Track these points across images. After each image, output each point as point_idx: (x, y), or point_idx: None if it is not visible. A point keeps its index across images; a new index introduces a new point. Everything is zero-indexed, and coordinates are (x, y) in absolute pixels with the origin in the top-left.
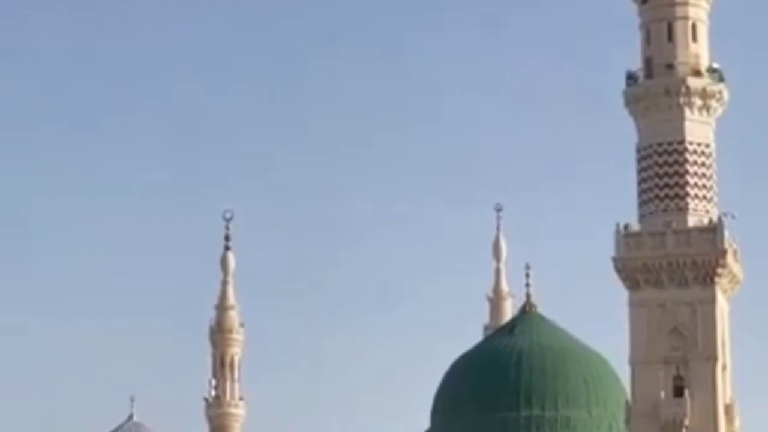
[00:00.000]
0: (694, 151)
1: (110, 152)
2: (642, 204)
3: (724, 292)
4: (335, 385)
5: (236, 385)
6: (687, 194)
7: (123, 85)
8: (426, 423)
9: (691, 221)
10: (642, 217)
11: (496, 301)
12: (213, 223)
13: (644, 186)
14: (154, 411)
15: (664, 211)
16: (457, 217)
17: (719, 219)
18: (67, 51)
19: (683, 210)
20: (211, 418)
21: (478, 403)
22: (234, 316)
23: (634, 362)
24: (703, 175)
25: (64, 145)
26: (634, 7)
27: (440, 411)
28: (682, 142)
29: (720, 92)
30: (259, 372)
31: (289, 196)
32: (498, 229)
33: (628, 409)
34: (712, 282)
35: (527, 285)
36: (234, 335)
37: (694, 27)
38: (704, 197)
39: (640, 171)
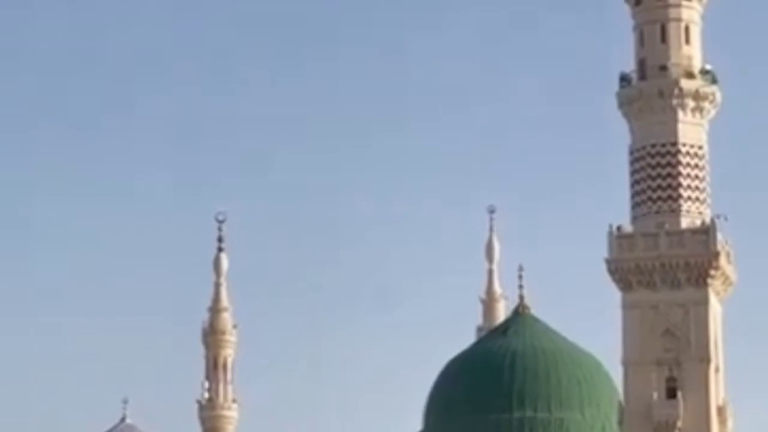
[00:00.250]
0: (687, 153)
1: (109, 152)
2: (635, 205)
3: (717, 293)
4: (329, 387)
5: (229, 387)
6: (680, 196)
7: (122, 85)
8: (419, 424)
9: (684, 223)
10: (635, 219)
11: (489, 302)
12: (210, 224)
13: (637, 187)
14: (147, 413)
15: (657, 212)
16: (450, 218)
17: (712, 221)
18: (67, 51)
19: (676, 212)
20: (204, 421)
21: (471, 405)
22: (227, 318)
23: (627, 363)
24: (696, 176)
25: (63, 144)
26: (627, 9)
27: (433, 412)
28: (675, 143)
29: (713, 94)
30: (252, 374)
31: (289, 197)
32: (491, 230)
33: (621, 411)
34: (705, 283)
35: (520, 286)
36: (227, 337)
37: (687, 29)
38: (697, 199)
39: (633, 172)
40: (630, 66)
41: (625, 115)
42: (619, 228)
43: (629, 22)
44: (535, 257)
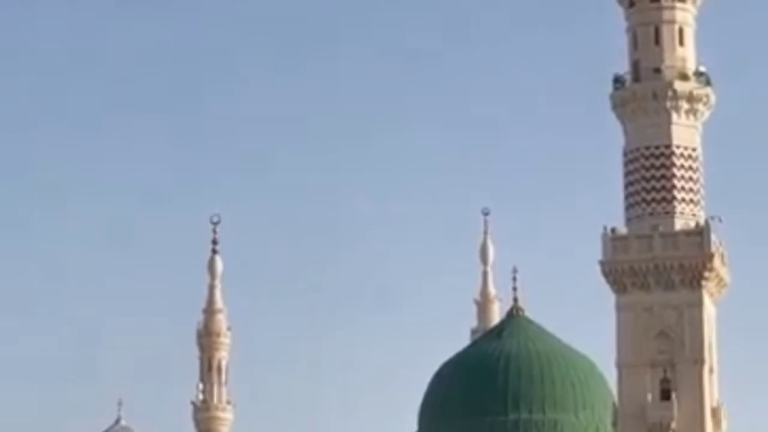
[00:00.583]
0: (681, 155)
1: (108, 152)
2: (629, 207)
3: (711, 295)
4: (323, 389)
5: (224, 389)
6: (674, 198)
7: (122, 84)
8: (413, 426)
9: (678, 225)
10: (629, 221)
11: (483, 304)
12: (207, 225)
13: (631, 189)
14: (142, 414)
15: (651, 214)
16: (445, 220)
17: (706, 222)
18: (66, 50)
19: (670, 213)
20: (198, 422)
21: (465, 407)
22: (221, 320)
23: (621, 365)
24: (690, 178)
25: (62, 144)
26: (621, 11)
27: (428, 414)
28: (669, 145)
29: (707, 96)
30: (247, 376)
31: (287, 197)
32: (485, 232)
33: (615, 412)
34: (699, 285)
35: (514, 288)
36: (221, 339)
37: (680, 31)
38: (691, 201)
39: (627, 174)
40: (624, 68)
41: (619, 117)
42: (613, 230)
43: (623, 24)
44: (529, 259)
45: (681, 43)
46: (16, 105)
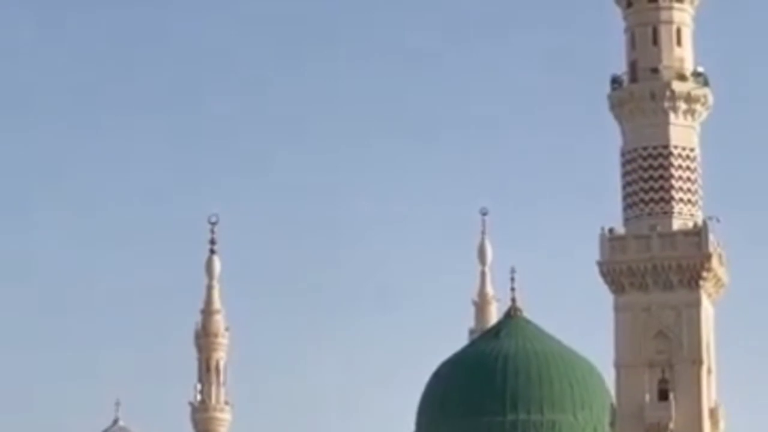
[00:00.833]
0: (679, 155)
1: (107, 152)
2: (627, 208)
3: (709, 295)
4: (321, 389)
5: (222, 390)
6: (672, 198)
7: (121, 84)
8: (411, 426)
9: (676, 225)
10: (627, 221)
11: (481, 305)
12: (206, 225)
13: (629, 190)
14: (140, 415)
15: (649, 214)
16: (443, 220)
17: (704, 223)
18: (66, 50)
19: (668, 214)
20: (196, 423)
21: (463, 407)
22: (219, 320)
23: (619, 366)
24: (688, 179)
25: (61, 144)
26: (618, 11)
27: (426, 415)
28: (666, 146)
29: (705, 96)
30: (244, 376)
31: (286, 197)
32: (483, 232)
33: (614, 413)
34: (697, 285)
35: (512, 289)
36: (219, 339)
37: (678, 31)
38: (689, 201)
39: (624, 175)
40: (621, 68)
41: (617, 117)
42: (611, 230)
43: (621, 24)
44: (527, 259)
45: (679, 43)
46: (15, 103)
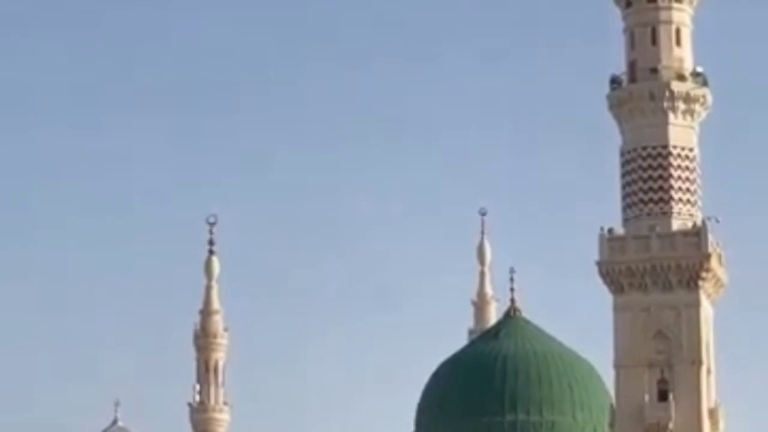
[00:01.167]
0: (678, 155)
1: (107, 152)
2: (626, 208)
3: (709, 295)
4: (320, 390)
5: (221, 390)
6: (671, 198)
7: (121, 84)
8: (411, 426)
9: (675, 225)
10: (626, 221)
11: (480, 305)
12: (205, 225)
13: (628, 190)
14: (139, 415)
15: (649, 215)
16: (442, 220)
17: (703, 223)
18: (66, 50)
19: (667, 214)
20: (195, 423)
21: (462, 408)
22: (218, 321)
23: (618, 366)
24: (687, 179)
25: (61, 144)
26: (618, 11)
27: (425, 415)
28: (666, 146)
29: (704, 96)
30: (243, 376)
31: (285, 197)
32: (482, 233)
33: (613, 413)
34: (697, 286)
35: (512, 289)
36: (218, 340)
37: (677, 31)
38: (688, 201)
39: (624, 175)
40: (621, 68)
41: (616, 117)
42: (610, 230)
43: (620, 24)
44: (526, 260)
45: (678, 43)
46: (16, 105)
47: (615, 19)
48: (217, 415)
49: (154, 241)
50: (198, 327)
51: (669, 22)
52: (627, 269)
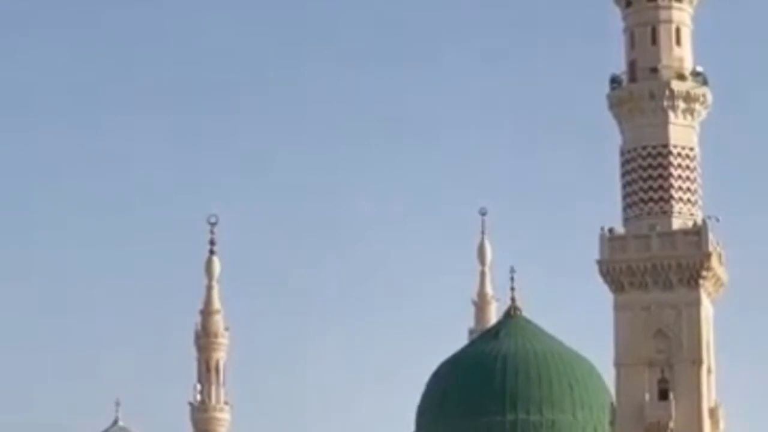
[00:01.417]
0: (678, 155)
1: (107, 152)
2: (626, 207)
3: (709, 294)
4: (321, 389)
5: (221, 390)
6: (671, 197)
7: (120, 84)
8: (411, 426)
9: (676, 224)
10: (626, 220)
11: (480, 304)
12: (206, 225)
13: (628, 189)
14: (140, 415)
15: (649, 214)
16: (442, 220)
17: (703, 222)
18: (66, 50)
19: (668, 213)
20: (196, 423)
21: (463, 407)
22: (219, 321)
23: (619, 365)
24: (687, 178)
25: (60, 144)
26: (618, 11)
27: (426, 415)
28: (666, 145)
29: (704, 95)
30: (244, 376)
31: (285, 197)
32: (483, 232)
33: (613, 412)
34: (697, 285)
35: (512, 289)
36: (219, 339)
37: (677, 30)
38: (688, 200)
39: (624, 174)
40: (621, 68)
41: (616, 116)
42: (610, 230)
43: (620, 24)
44: (527, 259)
45: (678, 43)
46: (18, 101)
47: (615, 18)
48: (218, 415)
49: (155, 241)
50: (199, 327)
51: (669, 21)
52: (627, 268)
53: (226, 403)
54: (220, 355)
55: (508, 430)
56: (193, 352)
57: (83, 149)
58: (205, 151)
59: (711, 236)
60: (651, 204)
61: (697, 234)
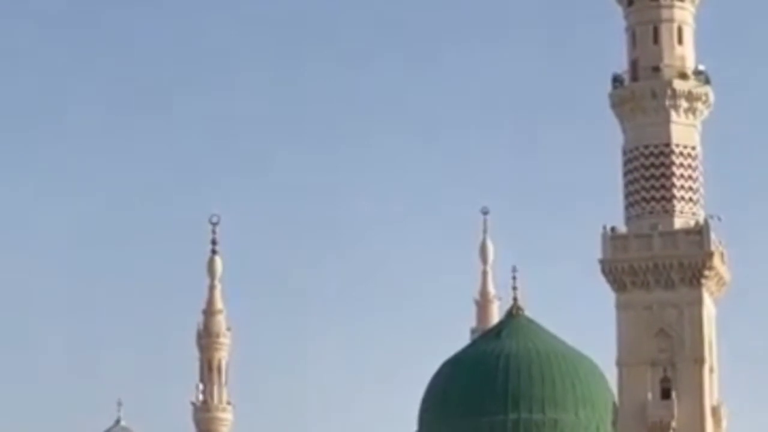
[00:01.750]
0: (680, 154)
1: (106, 152)
2: (628, 206)
3: (711, 294)
4: (323, 389)
5: (224, 390)
6: (673, 196)
7: (120, 84)
8: (413, 426)
9: (678, 223)
10: (628, 220)
11: (483, 304)
12: (206, 225)
13: (631, 188)
14: (142, 415)
15: (651, 213)
16: (444, 219)
17: (705, 221)
18: (66, 51)
19: (670, 212)
20: (198, 423)
21: (465, 407)
22: (221, 321)
23: (621, 364)
24: (690, 177)
25: (60, 145)
26: (619, 10)
27: (428, 414)
28: (668, 144)
29: (706, 95)
30: (246, 376)
31: (286, 197)
32: (485, 231)
33: (616, 411)
34: (699, 284)
35: (514, 288)
36: (221, 339)
37: (679, 29)
38: (690, 199)
39: (626, 173)
40: (622, 67)
41: (618, 115)
42: (612, 229)
43: (621, 23)
44: (529, 258)
45: (680, 41)
46: (16, 105)
47: (617, 17)
48: (221, 415)
49: (157, 240)
50: (201, 326)
51: (671, 20)
52: (629, 267)
53: (228, 402)
54: (222, 355)
55: (511, 429)
56: (195, 351)
57: (83, 149)
58: (205, 151)
59: (713, 235)
60: (653, 203)
61: (699, 233)
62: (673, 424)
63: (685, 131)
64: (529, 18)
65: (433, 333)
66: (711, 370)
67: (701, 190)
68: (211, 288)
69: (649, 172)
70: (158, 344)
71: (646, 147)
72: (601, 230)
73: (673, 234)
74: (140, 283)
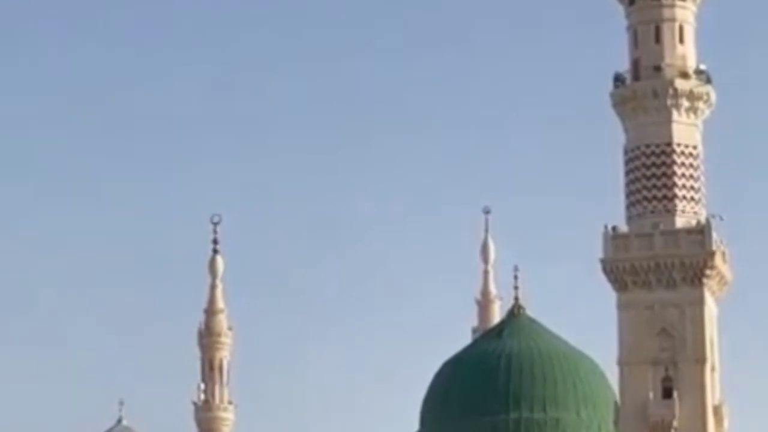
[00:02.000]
0: (682, 153)
1: (106, 153)
2: (630, 205)
3: (713, 293)
4: (325, 389)
5: (225, 389)
6: (675, 196)
7: (120, 85)
8: (415, 425)
9: (679, 222)
10: (630, 219)
11: (484, 303)
12: (207, 225)
13: (632, 188)
14: (143, 415)
15: (652, 212)
16: (445, 219)
17: (707, 220)
18: (66, 51)
19: (671, 211)
20: (200, 422)
21: (466, 406)
22: (222, 320)
23: (622, 363)
24: (691, 176)
25: (62, 143)
26: (621, 9)
27: (429, 414)
28: (669, 143)
29: (707, 94)
30: (248, 375)
31: (288, 197)
32: (486, 231)
33: (617, 411)
34: (701, 283)
35: (515, 287)
36: (223, 339)
37: (681, 29)
38: (692, 199)
39: (627, 173)
40: (624, 66)
41: (620, 115)
42: (614, 228)
43: (623, 22)
44: (530, 258)
45: (681, 41)
46: (15, 106)
47: (618, 16)
48: (222, 414)
49: (158, 240)
50: (202, 326)
51: (672, 19)
52: (631, 267)
53: (229, 402)
54: (224, 355)
55: (512, 428)
56: (196, 351)
57: (83, 149)
58: (205, 151)
59: (714, 234)
60: (654, 202)
61: (701, 232)
62: (675, 423)
63: (686, 130)
64: (530, 17)
65: (434, 333)
66: (712, 370)
67: (703, 189)
68: (213, 287)
69: (650, 172)
70: (160, 344)
71: (648, 146)
72: (602, 230)
73: (675, 233)
74: (141, 282)
